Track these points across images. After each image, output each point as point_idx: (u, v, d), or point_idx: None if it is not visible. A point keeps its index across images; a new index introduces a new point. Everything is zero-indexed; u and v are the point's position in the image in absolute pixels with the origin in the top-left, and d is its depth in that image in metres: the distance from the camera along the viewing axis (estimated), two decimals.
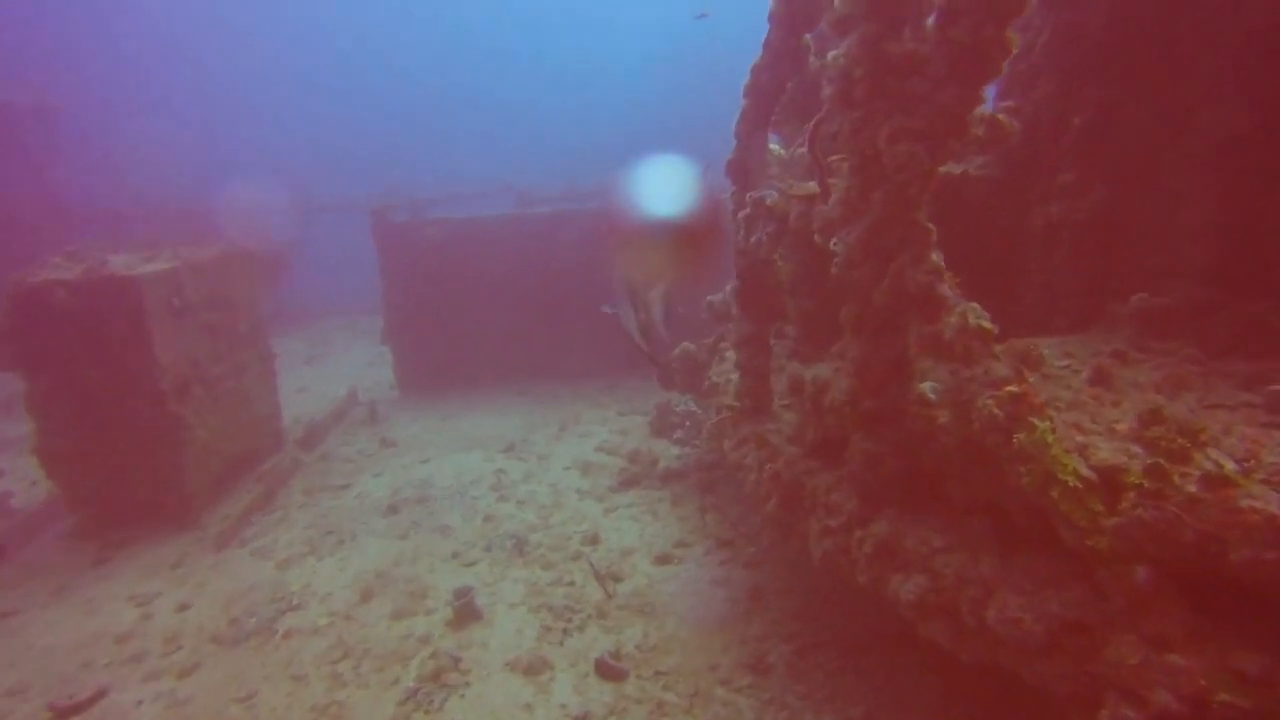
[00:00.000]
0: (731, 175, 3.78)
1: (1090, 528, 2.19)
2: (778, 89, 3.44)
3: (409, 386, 9.56)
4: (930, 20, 2.37)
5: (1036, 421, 2.31)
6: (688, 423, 7.37)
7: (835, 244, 2.79)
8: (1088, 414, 2.64)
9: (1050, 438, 2.29)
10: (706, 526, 5.58)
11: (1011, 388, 2.37)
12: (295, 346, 12.83)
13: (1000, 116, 2.93)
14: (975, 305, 2.50)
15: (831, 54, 2.57)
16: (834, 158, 3.27)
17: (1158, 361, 3.01)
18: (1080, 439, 2.43)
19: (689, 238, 3.66)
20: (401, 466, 7.21)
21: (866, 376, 2.85)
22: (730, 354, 5.60)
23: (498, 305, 9.52)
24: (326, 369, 11.72)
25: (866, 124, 2.53)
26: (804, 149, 3.70)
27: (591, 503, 6.18)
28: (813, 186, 3.13)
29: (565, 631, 4.40)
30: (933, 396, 2.90)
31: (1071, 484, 2.23)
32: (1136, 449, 2.33)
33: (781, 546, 4.92)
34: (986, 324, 2.45)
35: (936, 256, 2.58)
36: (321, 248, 17.82)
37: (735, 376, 4.33)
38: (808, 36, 3.31)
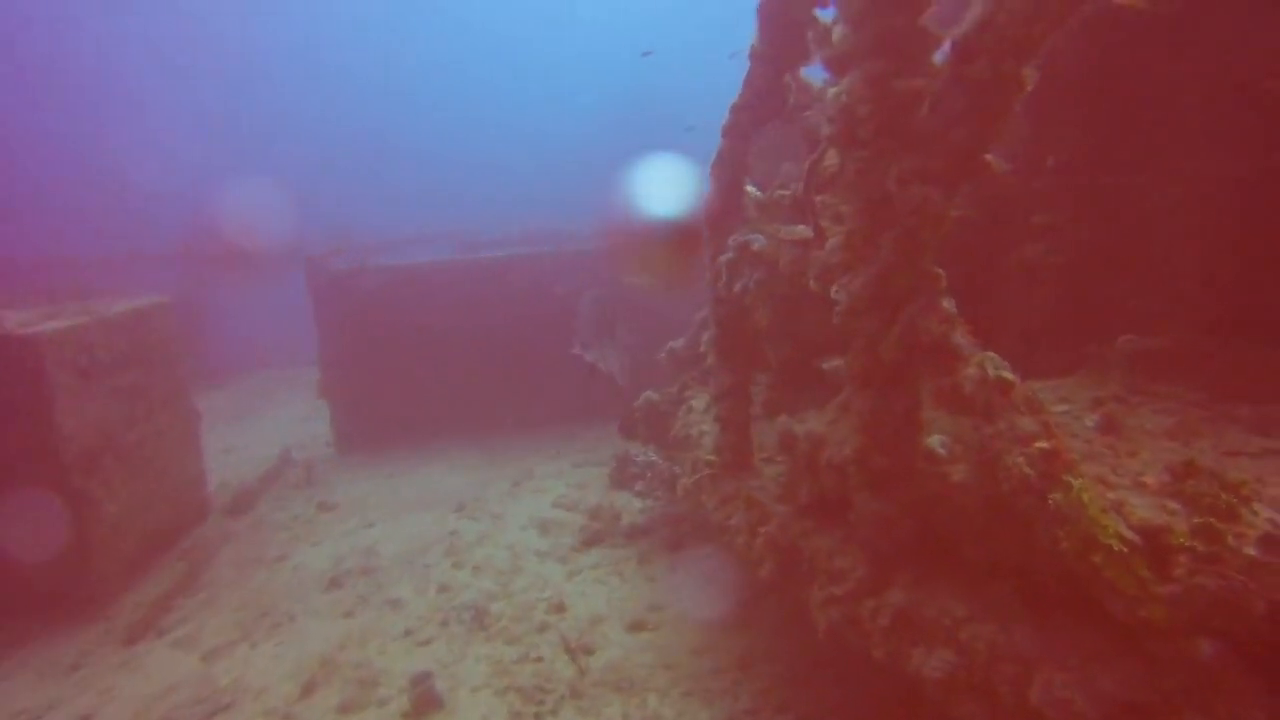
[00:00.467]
0: (708, 219, 3.60)
1: (1142, 596, 2.01)
2: (757, 129, 3.31)
3: (348, 443, 8.96)
4: (939, 55, 2.25)
5: (1071, 480, 2.14)
6: (649, 474, 7.08)
7: (836, 292, 2.61)
8: (1108, 466, 2.51)
9: (1086, 497, 2.12)
10: (679, 587, 5.26)
11: (1041, 443, 2.20)
12: (221, 403, 12.00)
13: (989, 157, 2.84)
14: (993, 355, 2.34)
15: (833, 90, 2.42)
16: (821, 198, 3.13)
17: (1159, 406, 2.93)
18: (1111, 495, 2.28)
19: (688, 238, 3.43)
20: (343, 532, 6.64)
21: (875, 432, 2.66)
22: (696, 403, 5.38)
23: (443, 355, 9.09)
24: (256, 427, 10.93)
25: (874, 165, 2.38)
26: (783, 191, 3.56)
27: (553, 565, 5.78)
28: (804, 231, 2.98)
29: (537, 716, 3.99)
30: (942, 451, 2.72)
31: (1115, 548, 2.06)
32: (1175, 505, 2.19)
33: (768, 610, 4.65)
34: (1007, 374, 2.29)
35: (948, 304, 2.42)
36: (249, 296, 16.98)
37: (712, 429, 4.10)
38: (788, 76, 3.19)
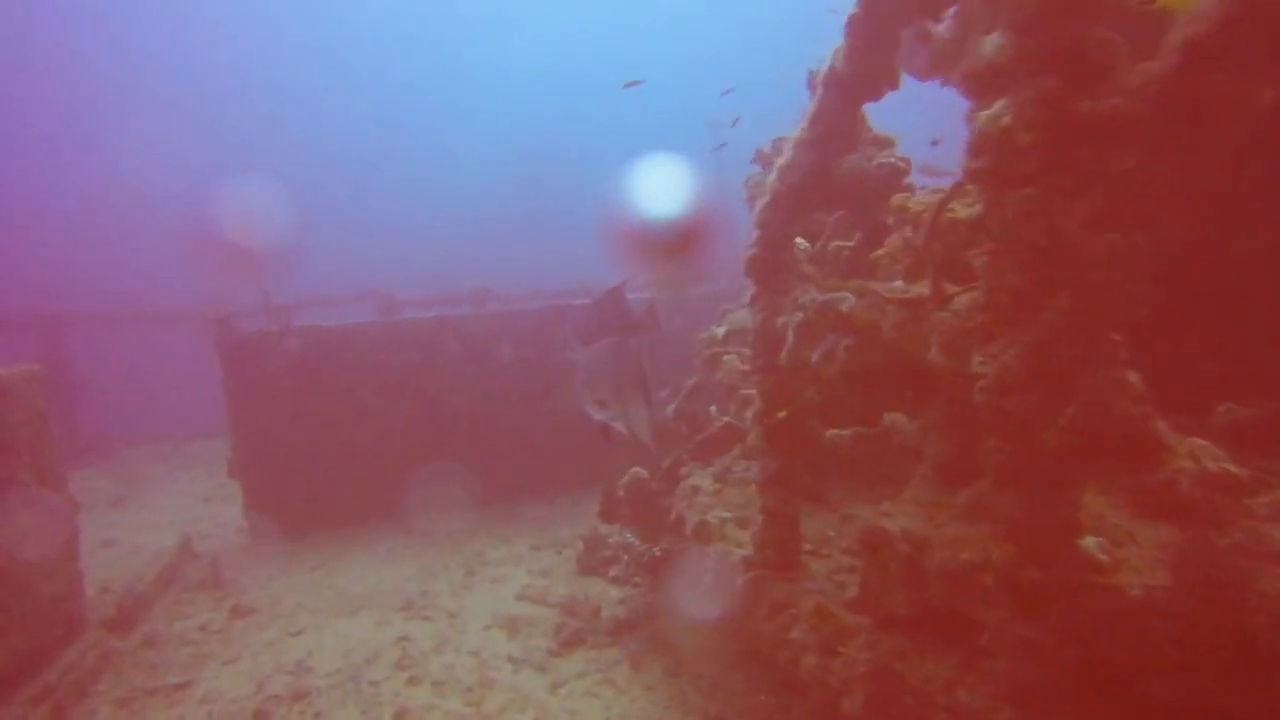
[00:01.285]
0: (756, 273, 3.06)
1: None
2: (823, 169, 2.82)
3: (265, 531, 7.73)
4: (1136, 71, 1.82)
5: None
6: (624, 557, 6.34)
7: (981, 364, 2.08)
8: None
9: None
10: (686, 699, 4.52)
11: None
12: (98, 484, 10.35)
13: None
14: (1205, 443, 1.86)
15: (984, 115, 1.94)
16: (896, 242, 2.65)
17: None
18: None
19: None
20: (264, 645, 5.49)
21: (1029, 539, 2.11)
22: (699, 481, 4.76)
23: (374, 427, 8.09)
24: (143, 512, 9.38)
25: (1042, 206, 1.89)
26: (843, 243, 3.08)
27: (531, 675, 4.91)
28: (916, 289, 2.49)
29: None
30: (1102, 558, 2.21)
31: None
32: None
33: None
34: (1233, 468, 1.80)
35: (1135, 379, 1.93)
36: (133, 361, 15.22)
37: (730, 517, 3.48)
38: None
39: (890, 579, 2.71)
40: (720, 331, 4.93)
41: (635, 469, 5.43)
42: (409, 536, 7.68)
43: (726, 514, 4.06)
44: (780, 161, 2.85)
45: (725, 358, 4.50)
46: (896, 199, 2.95)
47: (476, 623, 5.69)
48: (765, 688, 4.50)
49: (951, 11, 2.25)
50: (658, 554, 6.15)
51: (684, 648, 5.09)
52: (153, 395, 14.26)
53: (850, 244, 3.03)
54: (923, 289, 2.43)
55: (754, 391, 4.29)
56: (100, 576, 6.63)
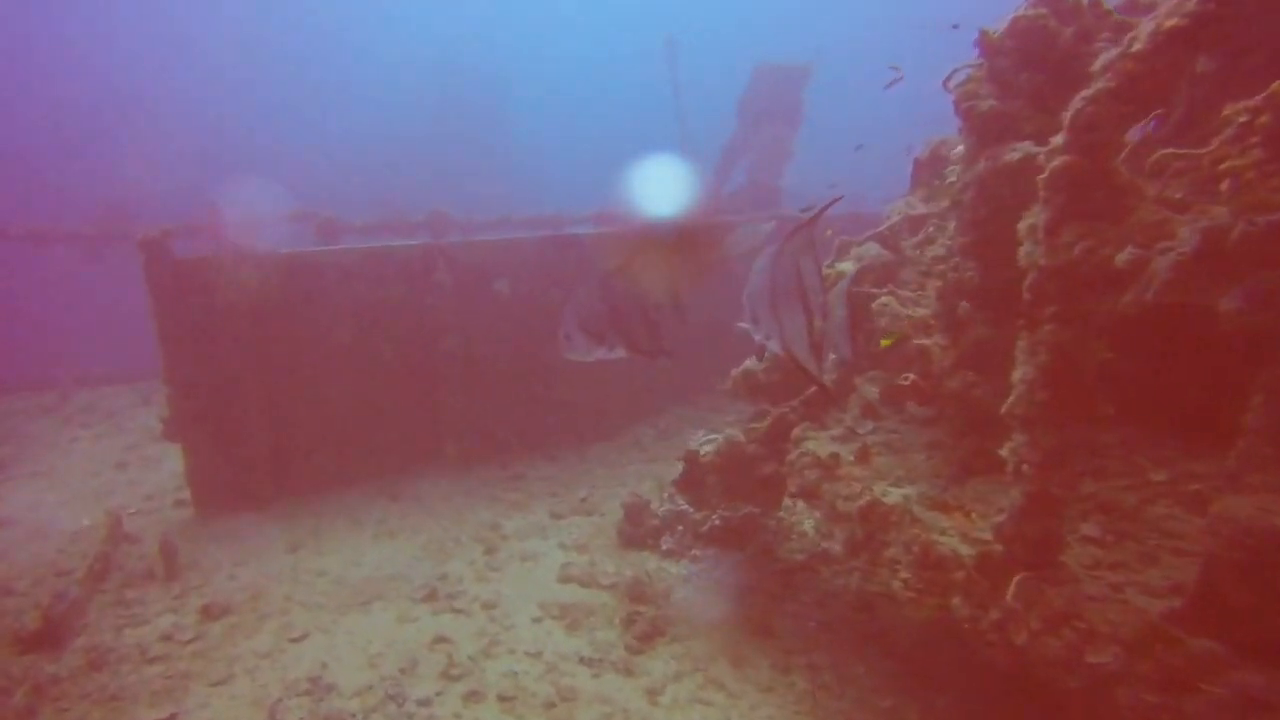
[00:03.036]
0: (1063, 190, 2.25)
1: None
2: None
3: (213, 502, 6.36)
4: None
5: None
6: (679, 527, 5.57)
7: None
8: None
9: None
10: (816, 702, 3.86)
11: None
12: None
13: None
14: None
15: None
16: None
17: None
18: None
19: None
20: (259, 656, 4.36)
21: None
22: (826, 448, 4.00)
23: (349, 375, 6.80)
24: (37, 482, 7.60)
25: None
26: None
27: (616, 680, 4.11)
28: None
29: None
30: None
31: None
32: None
33: None
34: None
35: None
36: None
37: (912, 494, 2.77)
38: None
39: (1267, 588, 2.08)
40: (849, 267, 4.12)
41: (729, 431, 4.61)
42: (399, 503, 6.55)
43: (904, 490, 3.35)
44: (1146, 28, 2.02)
45: (881, 300, 3.71)
46: None
47: (523, 614, 4.78)
48: (899, 682, 3.93)
49: None
50: (717, 523, 5.43)
51: (786, 633, 4.44)
52: (25, 330, 11.87)
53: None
54: None
55: (934, 342, 3.55)
56: None
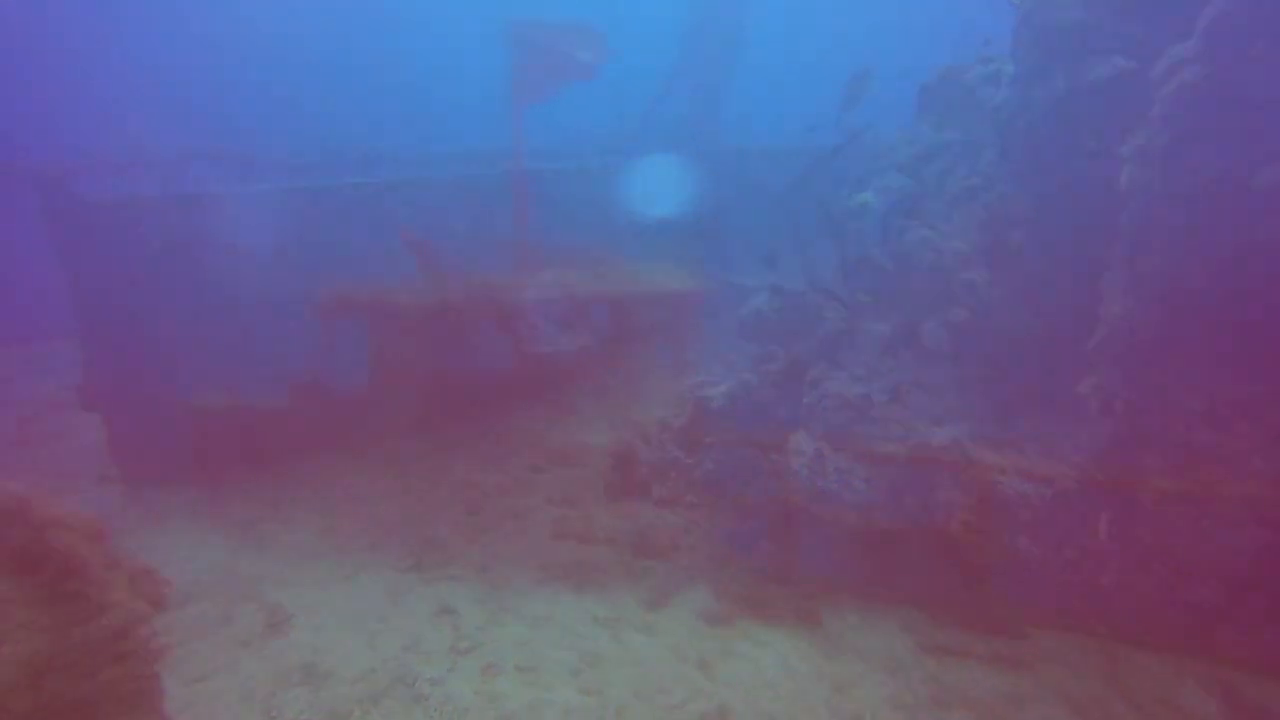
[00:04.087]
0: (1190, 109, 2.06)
1: None
2: None
3: (143, 475, 5.66)
4: None
5: None
6: (671, 474, 5.37)
7: None
8: None
9: None
10: (845, 644, 3.81)
11: None
12: None
13: None
14: None
15: None
16: None
17: None
18: None
19: None
20: (238, 644, 3.90)
21: None
22: (852, 388, 3.84)
23: (297, 326, 6.12)
24: None
25: None
26: None
27: (640, 640, 3.92)
28: None
29: None
30: None
31: None
32: None
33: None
34: None
35: None
36: None
37: (961, 434, 2.67)
38: None
39: None
40: (868, 198, 3.87)
41: (743, 373, 4.38)
42: (362, 462, 6.05)
43: (948, 429, 3.23)
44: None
45: (916, 233, 3.50)
46: None
47: (523, 576, 4.50)
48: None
49: None
50: (710, 467, 5.26)
51: (802, 579, 4.36)
52: None
53: None
54: None
55: (979, 275, 3.39)
56: None
